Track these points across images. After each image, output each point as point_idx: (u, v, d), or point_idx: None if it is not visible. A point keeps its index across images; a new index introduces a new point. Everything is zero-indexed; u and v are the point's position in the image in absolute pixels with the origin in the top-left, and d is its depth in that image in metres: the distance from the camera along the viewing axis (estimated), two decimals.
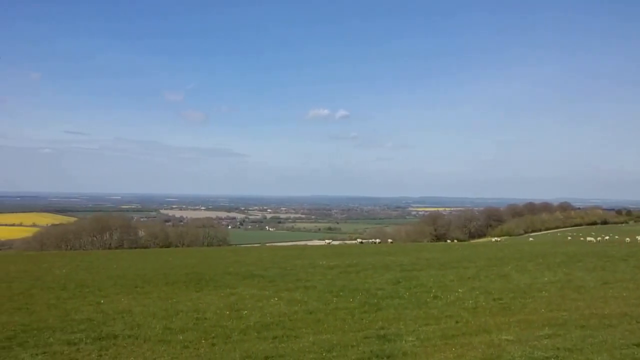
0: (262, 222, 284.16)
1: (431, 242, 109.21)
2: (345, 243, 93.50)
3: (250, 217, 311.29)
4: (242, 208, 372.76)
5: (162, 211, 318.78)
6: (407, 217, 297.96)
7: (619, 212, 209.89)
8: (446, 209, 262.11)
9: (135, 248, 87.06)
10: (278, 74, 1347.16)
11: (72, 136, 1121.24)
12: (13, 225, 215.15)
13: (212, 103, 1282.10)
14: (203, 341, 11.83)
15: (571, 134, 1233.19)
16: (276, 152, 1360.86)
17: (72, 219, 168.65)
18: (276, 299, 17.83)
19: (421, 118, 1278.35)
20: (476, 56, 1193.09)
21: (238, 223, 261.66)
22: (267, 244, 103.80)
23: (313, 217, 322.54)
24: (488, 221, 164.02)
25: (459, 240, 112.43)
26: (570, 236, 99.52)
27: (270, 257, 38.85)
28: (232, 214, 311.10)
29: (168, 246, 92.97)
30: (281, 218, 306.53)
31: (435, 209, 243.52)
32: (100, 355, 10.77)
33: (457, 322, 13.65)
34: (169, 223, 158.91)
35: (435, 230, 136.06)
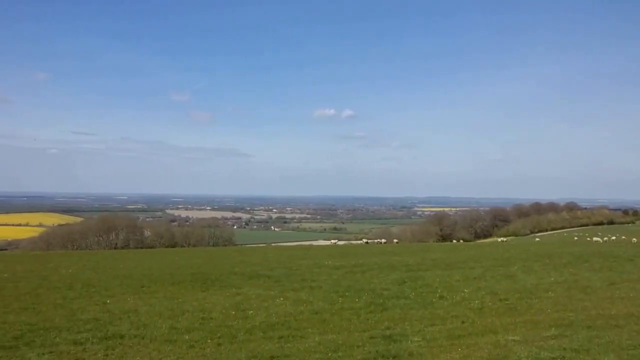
0: (267, 222, 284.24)
1: (437, 242, 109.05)
2: (351, 243, 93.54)
3: (255, 217, 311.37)
4: (248, 208, 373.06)
5: (168, 211, 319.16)
6: (413, 217, 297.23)
7: (625, 212, 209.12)
8: (452, 209, 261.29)
9: (141, 248, 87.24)
10: (284, 74, 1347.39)
11: (79, 136, 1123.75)
12: (19, 225, 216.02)
13: (218, 103, 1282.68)
14: (209, 341, 11.84)
15: (577, 134, 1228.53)
16: (282, 152, 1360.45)
17: (79, 219, 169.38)
18: (282, 299, 17.84)
19: (427, 118, 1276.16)
20: (482, 57, 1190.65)
21: (243, 223, 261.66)
22: (273, 244, 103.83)
23: (318, 217, 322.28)
24: (494, 221, 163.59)
25: (464, 240, 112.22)
26: (576, 236, 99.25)
27: (275, 257, 38.86)
28: (237, 214, 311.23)
29: (174, 246, 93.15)
30: (287, 218, 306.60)
31: (441, 209, 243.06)
32: (107, 355, 10.80)
33: (463, 322, 13.63)
34: (175, 223, 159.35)
35: (441, 230, 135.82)
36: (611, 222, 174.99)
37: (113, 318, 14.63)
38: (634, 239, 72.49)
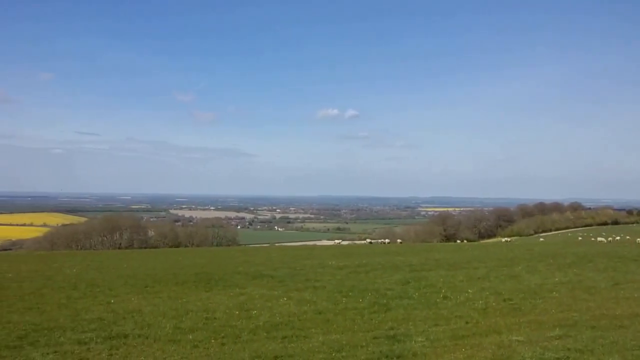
0: (271, 222, 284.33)
1: (441, 242, 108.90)
2: (355, 243, 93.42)
3: (259, 217, 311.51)
4: (251, 208, 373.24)
5: (172, 211, 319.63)
6: (417, 217, 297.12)
7: (629, 212, 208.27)
8: (456, 209, 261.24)
9: (145, 248, 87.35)
10: (287, 74, 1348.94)
11: (82, 136, 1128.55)
12: (24, 225, 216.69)
13: (221, 103, 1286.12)
14: (213, 341, 11.85)
15: (580, 134, 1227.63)
16: (285, 152, 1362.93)
17: (83, 219, 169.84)
18: (285, 299, 17.84)
19: (431, 118, 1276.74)
20: (484, 57, 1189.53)
21: (247, 223, 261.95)
22: (276, 244, 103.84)
23: (322, 217, 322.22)
24: (498, 221, 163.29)
25: (468, 240, 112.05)
26: (580, 236, 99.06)
27: (279, 257, 38.87)
28: (241, 214, 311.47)
29: (177, 246, 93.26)
30: (290, 218, 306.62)
31: (445, 209, 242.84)
32: (111, 355, 10.81)
33: (467, 322, 13.61)
34: (179, 223, 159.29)
35: (445, 230, 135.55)
36: (615, 222, 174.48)
37: (117, 318, 14.65)
38: (639, 239, 72.24)
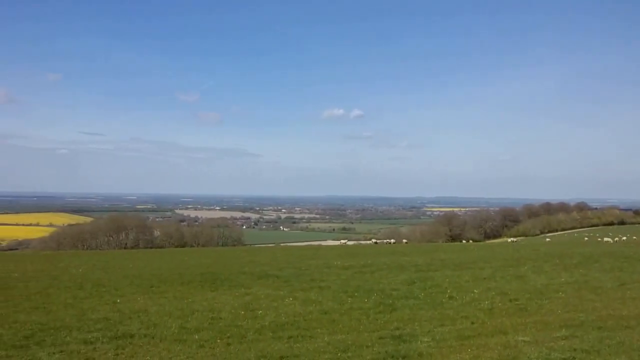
0: (276, 222, 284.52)
1: (446, 242, 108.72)
2: (360, 243, 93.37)
3: (264, 217, 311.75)
4: (257, 208, 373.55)
5: (177, 211, 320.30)
6: (422, 217, 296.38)
7: (636, 212, 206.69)
8: (461, 209, 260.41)
9: (151, 248, 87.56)
10: (292, 74, 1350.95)
11: (88, 137, 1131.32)
12: (30, 225, 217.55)
13: (226, 103, 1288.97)
14: (218, 341, 11.86)
15: (587, 134, 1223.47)
16: (290, 152, 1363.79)
17: (89, 219, 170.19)
18: (291, 299, 17.84)
19: (436, 117, 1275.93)
20: (489, 57, 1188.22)
21: (252, 223, 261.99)
22: (282, 244, 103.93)
23: (327, 217, 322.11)
24: (504, 221, 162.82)
25: (474, 240, 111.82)
26: (587, 237, 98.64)
27: (284, 257, 38.90)
28: (246, 214, 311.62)
29: (183, 246, 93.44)
30: (295, 218, 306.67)
31: (451, 209, 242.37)
32: (117, 355, 10.84)
33: (472, 323, 13.59)
34: (184, 223, 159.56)
35: (451, 230, 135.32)
36: (622, 223, 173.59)
37: (123, 318, 14.69)
38: None
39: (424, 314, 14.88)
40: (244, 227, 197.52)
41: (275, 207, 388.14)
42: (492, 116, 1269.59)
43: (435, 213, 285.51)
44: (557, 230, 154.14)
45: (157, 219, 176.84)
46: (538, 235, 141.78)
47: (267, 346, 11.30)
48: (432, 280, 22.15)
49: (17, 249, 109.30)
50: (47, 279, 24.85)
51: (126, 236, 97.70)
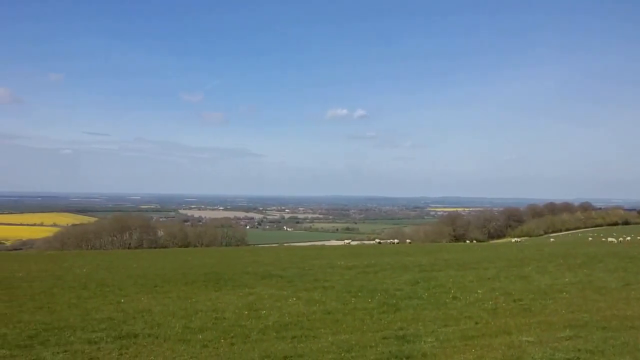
0: (280, 222, 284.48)
1: (450, 242, 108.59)
2: (363, 243, 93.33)
3: (268, 217, 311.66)
4: (260, 208, 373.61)
5: (181, 211, 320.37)
6: (426, 217, 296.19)
7: None
8: (465, 209, 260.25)
9: (155, 248, 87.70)
10: (296, 74, 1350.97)
11: (92, 137, 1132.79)
12: (34, 225, 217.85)
13: (230, 104, 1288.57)
14: (222, 340, 11.87)
15: (591, 134, 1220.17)
16: (294, 152, 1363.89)
17: (92, 219, 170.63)
18: (294, 299, 17.85)
19: (440, 118, 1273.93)
20: (495, 56, 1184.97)
21: (256, 223, 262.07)
22: (285, 244, 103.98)
23: (331, 217, 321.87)
24: (508, 221, 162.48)
25: (478, 240, 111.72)
26: (591, 237, 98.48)
27: (288, 257, 38.91)
28: (250, 214, 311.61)
29: (187, 246, 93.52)
30: (299, 218, 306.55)
31: (454, 209, 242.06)
32: (121, 354, 10.86)
33: (476, 323, 13.57)
34: (188, 223, 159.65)
35: (454, 230, 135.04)
36: (626, 223, 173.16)
37: (127, 317, 14.71)
38: None
39: (427, 314, 14.87)
40: (248, 227, 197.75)
41: (279, 207, 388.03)
42: (495, 116, 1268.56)
43: (438, 213, 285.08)
44: (561, 231, 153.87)
45: (161, 219, 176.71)
46: (542, 235, 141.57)
47: (270, 346, 11.31)
48: (435, 281, 22.12)
49: (21, 249, 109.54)
50: (51, 279, 24.92)
51: (130, 236, 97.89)
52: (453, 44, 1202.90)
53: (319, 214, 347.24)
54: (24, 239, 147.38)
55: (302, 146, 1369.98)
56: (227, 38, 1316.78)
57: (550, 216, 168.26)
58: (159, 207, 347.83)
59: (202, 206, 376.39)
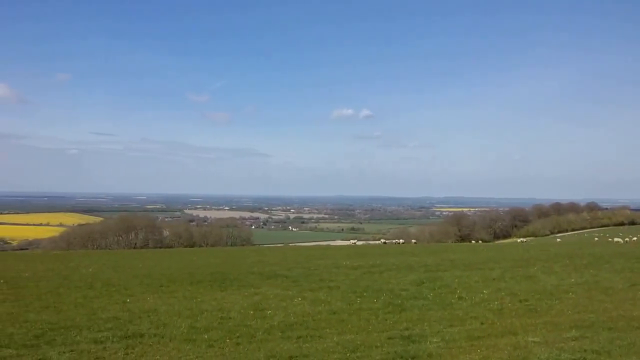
0: (285, 222, 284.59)
1: (455, 242, 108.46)
2: (369, 243, 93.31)
3: (273, 217, 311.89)
4: (266, 208, 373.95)
5: (187, 211, 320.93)
6: (431, 217, 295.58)
7: None
8: (470, 209, 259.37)
9: (160, 248, 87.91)
10: (301, 74, 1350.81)
11: (98, 137, 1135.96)
12: (40, 225, 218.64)
13: (235, 104, 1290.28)
14: (228, 340, 11.88)
15: (597, 134, 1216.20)
16: (299, 152, 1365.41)
17: (98, 219, 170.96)
18: (300, 298, 17.85)
19: (445, 118, 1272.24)
20: (500, 56, 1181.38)
21: (261, 223, 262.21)
22: (290, 244, 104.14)
23: (336, 217, 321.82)
24: (513, 221, 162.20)
25: (483, 240, 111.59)
26: (597, 237, 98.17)
27: (293, 257, 38.94)
28: (255, 214, 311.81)
29: (192, 246, 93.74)
30: (304, 218, 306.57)
31: (460, 209, 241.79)
32: (127, 354, 10.87)
33: (482, 323, 13.53)
34: (193, 223, 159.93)
35: (460, 230, 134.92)
36: (632, 223, 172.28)
37: (133, 317, 14.74)
38: None
39: (433, 314, 14.84)
40: (253, 227, 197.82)
41: (284, 207, 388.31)
42: (501, 116, 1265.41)
43: (444, 213, 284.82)
44: (567, 231, 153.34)
45: (167, 219, 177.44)
46: (548, 235, 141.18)
47: (276, 346, 11.31)
48: (441, 281, 22.09)
49: (27, 248, 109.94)
50: (58, 279, 25.00)
51: (136, 236, 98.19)
52: (459, 44, 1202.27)
53: (325, 214, 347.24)
54: (30, 238, 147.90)
55: (307, 146, 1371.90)
56: (232, 38, 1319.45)
57: (556, 216, 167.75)
58: (164, 207, 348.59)
59: (208, 206, 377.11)
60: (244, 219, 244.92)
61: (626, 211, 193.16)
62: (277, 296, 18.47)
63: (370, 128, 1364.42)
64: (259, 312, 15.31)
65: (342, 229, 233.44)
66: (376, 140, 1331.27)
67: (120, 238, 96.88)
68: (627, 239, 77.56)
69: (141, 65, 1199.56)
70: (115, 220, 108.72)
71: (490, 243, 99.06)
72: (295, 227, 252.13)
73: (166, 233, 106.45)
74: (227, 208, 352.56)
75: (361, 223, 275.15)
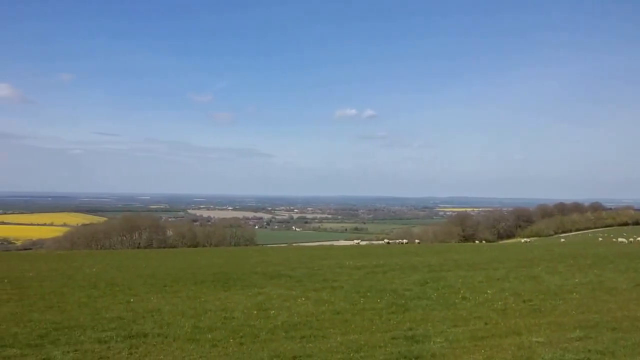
0: (288, 222, 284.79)
1: (459, 242, 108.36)
2: (372, 243, 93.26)
3: (277, 217, 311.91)
4: (269, 208, 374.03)
5: (190, 211, 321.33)
6: (435, 217, 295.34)
7: None
8: (474, 209, 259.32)
9: (164, 247, 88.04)
10: (305, 74, 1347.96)
11: (102, 137, 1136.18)
12: (44, 224, 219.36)
13: (239, 104, 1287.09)
14: (231, 340, 11.88)
15: (601, 134, 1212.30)
16: (303, 152, 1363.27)
17: (102, 219, 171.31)
18: (303, 298, 17.84)
19: (446, 118, 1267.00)
20: (501, 56, 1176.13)
21: (265, 223, 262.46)
22: (294, 244, 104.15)
23: (339, 217, 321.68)
24: (517, 222, 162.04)
25: (487, 241, 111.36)
26: (601, 237, 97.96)
27: (297, 257, 38.95)
28: (259, 214, 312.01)
29: (196, 246, 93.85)
30: (308, 218, 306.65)
31: (463, 209, 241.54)
32: (131, 354, 10.89)
33: (486, 323, 13.51)
34: (197, 223, 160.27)
35: (463, 230, 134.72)
36: (636, 223, 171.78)
37: (137, 317, 14.76)
38: None
39: (436, 314, 14.83)
40: (257, 227, 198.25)
41: (288, 207, 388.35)
42: (502, 116, 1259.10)
43: (447, 213, 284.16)
44: (571, 231, 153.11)
45: (170, 219, 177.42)
46: (552, 235, 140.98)
47: (279, 346, 11.31)
48: (445, 281, 22.07)
49: (31, 248, 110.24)
50: (62, 279, 25.05)
51: (139, 236, 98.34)
52: (462, 43, 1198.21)
53: (328, 214, 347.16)
54: (34, 238, 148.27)
55: (310, 146, 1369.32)
56: (233, 38, 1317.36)
57: (560, 216, 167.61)
58: (168, 207, 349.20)
59: (211, 206, 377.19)
60: (248, 219, 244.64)
61: (630, 211, 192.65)
62: (280, 296, 18.48)
63: (373, 128, 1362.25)
64: (262, 312, 15.32)
65: (346, 229, 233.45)
66: (380, 140, 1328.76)
67: (124, 238, 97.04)
68: (631, 239, 77.35)
69: (143, 65, 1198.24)
70: (119, 220, 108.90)
71: (494, 243, 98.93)
72: (299, 227, 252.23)
73: (170, 233, 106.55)
74: (230, 208, 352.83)
75: (364, 223, 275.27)
